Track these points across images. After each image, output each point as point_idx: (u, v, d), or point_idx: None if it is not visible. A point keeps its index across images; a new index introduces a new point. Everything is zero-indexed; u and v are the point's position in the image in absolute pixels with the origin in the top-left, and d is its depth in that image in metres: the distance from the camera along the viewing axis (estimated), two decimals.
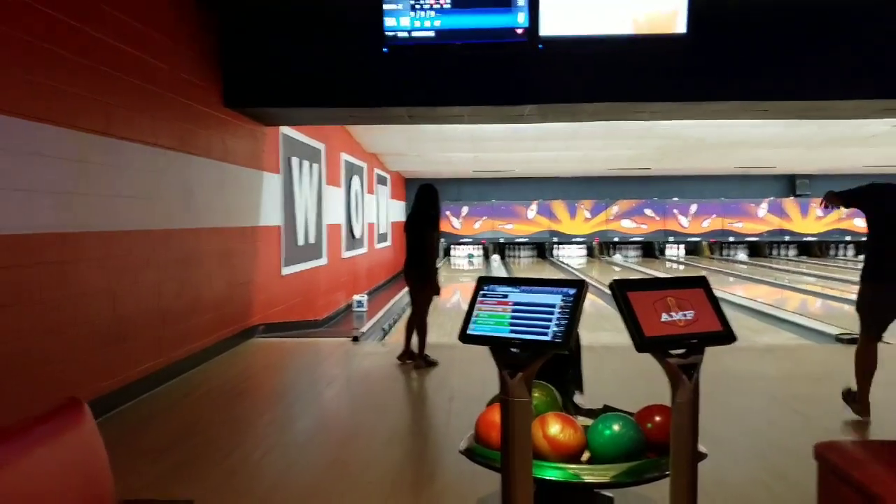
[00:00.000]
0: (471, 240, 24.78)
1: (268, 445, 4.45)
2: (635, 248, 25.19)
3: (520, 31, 4.82)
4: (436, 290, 6.70)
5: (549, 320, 2.31)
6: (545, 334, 2.29)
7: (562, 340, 2.26)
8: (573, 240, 24.71)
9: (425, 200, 6.69)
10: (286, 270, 9.35)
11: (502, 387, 2.34)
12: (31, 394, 4.24)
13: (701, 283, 2.51)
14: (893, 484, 2.40)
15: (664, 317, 2.34)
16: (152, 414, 5.15)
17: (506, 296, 2.46)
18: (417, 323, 6.67)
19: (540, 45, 4.83)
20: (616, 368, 6.18)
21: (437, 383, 5.96)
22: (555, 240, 24.65)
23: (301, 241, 10.08)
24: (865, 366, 4.78)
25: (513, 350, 2.35)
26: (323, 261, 11.45)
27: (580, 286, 2.35)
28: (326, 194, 11.66)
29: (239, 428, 4.88)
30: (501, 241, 24.74)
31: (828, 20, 6.61)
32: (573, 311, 2.31)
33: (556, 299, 2.35)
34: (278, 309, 8.90)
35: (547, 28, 4.89)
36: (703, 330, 2.37)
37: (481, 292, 2.51)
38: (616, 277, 2.67)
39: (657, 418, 2.68)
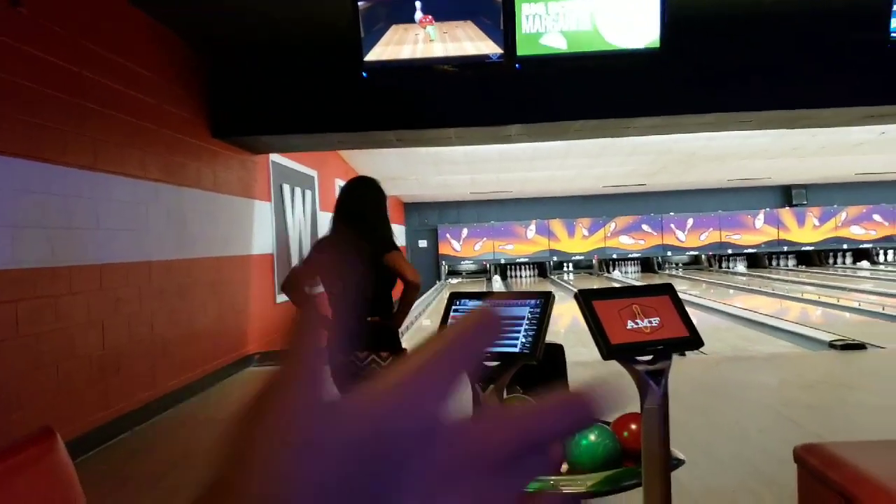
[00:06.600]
0: (472, 262, 24.81)
1: None
2: (634, 264, 25.23)
3: (496, 53, 4.90)
4: None
5: (518, 332, 2.36)
6: (514, 346, 2.33)
7: (530, 351, 2.30)
8: (573, 258, 24.73)
9: None
10: (281, 298, 9.39)
11: (474, 400, 2.38)
12: (24, 428, 4.27)
13: (667, 290, 2.55)
14: (870, 484, 2.42)
15: (630, 324, 2.38)
16: (147, 444, 5.17)
17: None
18: None
19: (517, 65, 4.90)
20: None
21: None
22: (554, 258, 24.67)
23: None
24: None
25: (483, 363, 2.39)
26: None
27: (546, 297, 2.40)
28: (322, 221, 11.72)
29: None
30: (503, 261, 24.75)
31: (802, 29, 6.69)
32: (540, 322, 2.35)
33: (524, 311, 2.39)
34: (274, 337, 8.93)
35: (523, 47, 4.97)
36: (670, 336, 2.40)
37: (453, 307, 2.56)
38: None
39: (633, 426, 2.71)
